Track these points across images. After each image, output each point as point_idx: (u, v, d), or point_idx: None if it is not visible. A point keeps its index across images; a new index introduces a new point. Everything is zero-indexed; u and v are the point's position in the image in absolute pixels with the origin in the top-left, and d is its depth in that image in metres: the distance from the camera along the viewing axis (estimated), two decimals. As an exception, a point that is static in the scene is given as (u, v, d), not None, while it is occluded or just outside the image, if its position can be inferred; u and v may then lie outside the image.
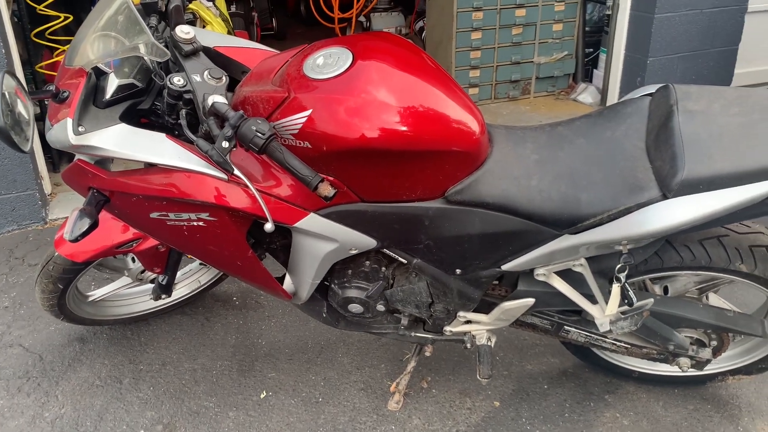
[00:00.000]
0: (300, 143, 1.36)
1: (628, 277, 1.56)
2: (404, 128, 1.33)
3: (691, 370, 1.81)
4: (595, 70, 4.38)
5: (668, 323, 1.71)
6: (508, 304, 1.69)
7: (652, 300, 1.55)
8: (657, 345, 1.75)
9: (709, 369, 1.93)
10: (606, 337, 1.77)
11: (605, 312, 1.55)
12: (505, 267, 1.59)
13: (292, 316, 2.36)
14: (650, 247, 1.52)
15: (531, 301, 1.67)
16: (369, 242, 1.55)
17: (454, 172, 1.45)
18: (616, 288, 1.51)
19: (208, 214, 1.47)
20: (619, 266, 1.47)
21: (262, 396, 2.03)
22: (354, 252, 1.59)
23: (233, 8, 4.37)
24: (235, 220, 1.48)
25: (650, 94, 1.55)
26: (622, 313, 1.59)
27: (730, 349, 1.92)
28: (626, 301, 1.52)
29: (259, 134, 1.27)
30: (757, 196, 1.30)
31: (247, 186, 1.36)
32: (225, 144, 1.30)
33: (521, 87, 4.38)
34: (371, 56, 1.39)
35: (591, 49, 4.36)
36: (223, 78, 1.44)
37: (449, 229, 1.51)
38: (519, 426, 1.94)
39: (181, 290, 2.32)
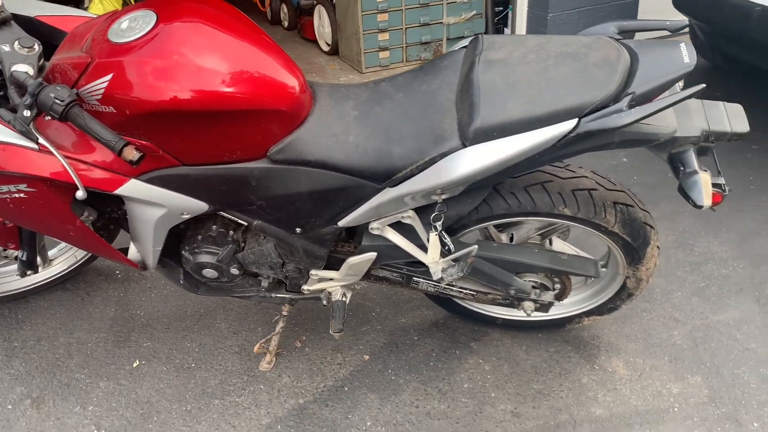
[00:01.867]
0: (105, 108, 1.36)
1: (463, 227, 1.61)
2: (212, 88, 1.34)
3: (536, 313, 1.88)
4: (506, 29, 4.40)
5: (507, 269, 1.77)
6: (353, 259, 1.73)
7: (475, 247, 1.60)
8: (500, 290, 1.82)
9: (565, 312, 2.02)
10: (453, 285, 1.83)
11: (427, 260, 1.60)
12: (341, 223, 1.62)
13: (174, 287, 2.37)
14: (474, 197, 1.56)
15: (373, 255, 1.71)
16: (199, 206, 1.57)
17: (274, 131, 1.47)
18: (433, 237, 1.56)
19: (26, 185, 1.47)
20: (433, 215, 1.52)
21: (134, 365, 2.06)
22: (186, 216, 1.60)
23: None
24: (54, 189, 1.48)
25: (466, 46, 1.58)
26: (453, 260, 1.64)
27: (581, 292, 2.00)
28: (446, 248, 1.57)
29: (58, 101, 1.27)
30: (547, 139, 1.34)
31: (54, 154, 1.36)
32: (26, 113, 1.30)
33: (433, 48, 4.38)
34: (176, 17, 1.39)
35: (500, 8, 4.38)
36: (35, 47, 1.42)
37: (277, 188, 1.54)
38: (385, 377, 2.00)
39: (58, 266, 2.31)
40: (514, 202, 1.63)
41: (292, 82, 1.44)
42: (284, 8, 5.20)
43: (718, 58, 3.79)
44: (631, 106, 1.31)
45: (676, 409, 1.88)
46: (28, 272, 2.00)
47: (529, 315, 1.87)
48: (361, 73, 4.28)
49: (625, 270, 1.80)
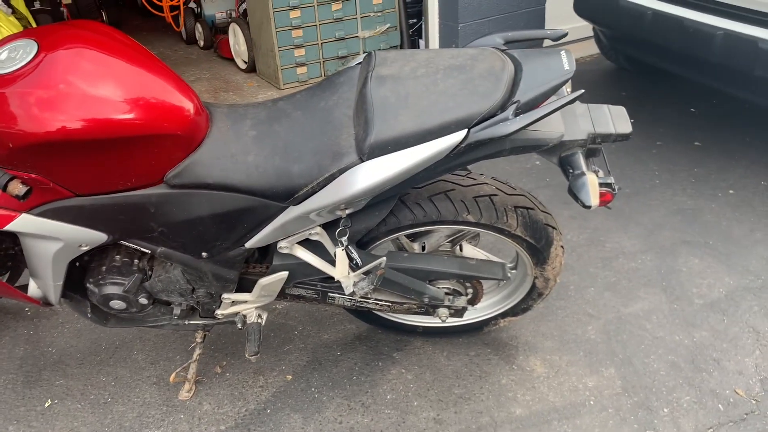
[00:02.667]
0: (-14, 143, 1.31)
1: (374, 239, 1.62)
2: (100, 115, 1.31)
3: (451, 319, 1.92)
4: (420, 40, 4.48)
5: (419, 277, 1.79)
6: (264, 280, 1.72)
7: (383, 259, 1.62)
8: (414, 299, 1.84)
9: (480, 316, 2.06)
10: (368, 298, 1.84)
11: (337, 275, 1.61)
12: (248, 245, 1.61)
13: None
14: (380, 209, 1.58)
15: (285, 274, 1.71)
16: (97, 236, 1.53)
17: (168, 155, 1.44)
18: (339, 252, 1.56)
19: None
20: (339, 230, 1.53)
21: (46, 405, 1.97)
22: (85, 248, 1.56)
23: (37, 4, 4.13)
24: (-61, 230, 1.42)
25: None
26: (364, 273, 1.65)
27: (494, 295, 2.05)
28: (354, 262, 1.58)
29: None
30: (440, 150, 1.37)
31: (-69, 193, 1.30)
32: None
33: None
34: (58, 45, 1.35)
35: (414, 20, 4.45)
36: None
37: (178, 213, 1.51)
38: (308, 395, 1.98)
39: (-40, 308, 2.20)
40: (419, 212, 1.66)
41: (186, 104, 1.43)
42: (199, 27, 5.14)
43: (621, 60, 3.97)
44: (516, 114, 1.36)
45: (591, 402, 1.94)
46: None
47: (444, 321, 1.90)
48: (279, 89, 4.27)
49: (533, 271, 1.86)
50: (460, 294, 1.87)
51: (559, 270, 1.87)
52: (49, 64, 1.31)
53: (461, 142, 1.37)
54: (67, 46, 1.35)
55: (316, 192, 1.46)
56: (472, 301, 1.90)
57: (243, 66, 4.65)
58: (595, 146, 1.50)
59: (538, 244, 1.75)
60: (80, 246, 1.54)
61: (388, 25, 4.36)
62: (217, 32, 5.02)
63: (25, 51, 1.33)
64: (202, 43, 5.15)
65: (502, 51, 1.49)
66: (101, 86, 1.32)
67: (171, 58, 5.01)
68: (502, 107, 1.37)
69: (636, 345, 2.14)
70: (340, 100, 1.53)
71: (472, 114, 1.36)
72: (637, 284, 2.41)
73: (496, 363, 2.08)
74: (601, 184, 1.45)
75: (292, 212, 1.51)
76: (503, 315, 2.05)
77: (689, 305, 2.30)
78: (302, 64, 4.25)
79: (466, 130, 1.37)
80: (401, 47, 4.54)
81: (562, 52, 1.42)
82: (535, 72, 1.40)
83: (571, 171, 1.47)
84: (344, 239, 1.54)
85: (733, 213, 2.81)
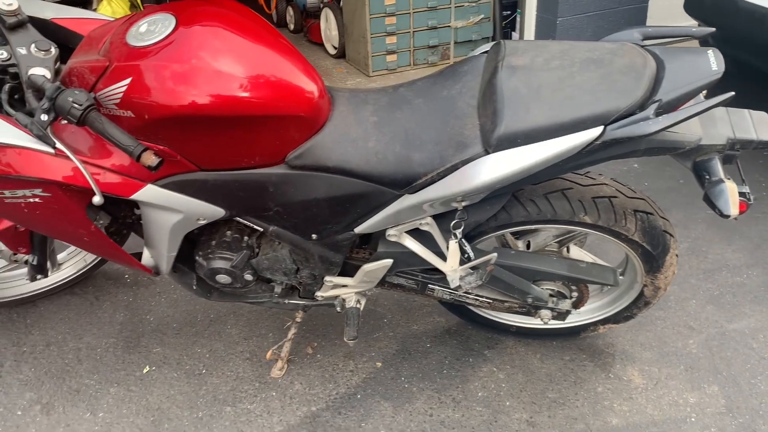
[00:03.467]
0: (123, 113, 1.34)
1: (480, 235, 1.59)
2: (232, 93, 1.32)
3: (553, 321, 1.86)
4: (513, 33, 4.39)
5: (524, 277, 1.75)
6: (368, 266, 1.71)
7: (494, 255, 1.58)
8: (517, 298, 1.80)
9: (580, 320, 1.99)
10: (469, 293, 1.81)
11: (446, 268, 1.58)
12: (357, 230, 1.60)
13: (184, 291, 2.36)
14: (493, 204, 1.54)
15: (389, 261, 1.69)
16: (216, 211, 1.55)
17: (292, 136, 1.45)
18: (452, 244, 1.54)
19: (41, 190, 1.45)
20: (453, 222, 1.50)
21: (144, 371, 2.03)
22: (203, 222, 1.58)
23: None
24: (70, 194, 1.46)
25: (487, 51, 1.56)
26: (471, 268, 1.62)
27: (597, 300, 1.98)
28: (465, 256, 1.55)
29: (76, 105, 1.25)
30: (572, 146, 1.32)
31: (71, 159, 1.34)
32: (44, 117, 1.28)
33: (440, 52, 4.37)
34: (195, 21, 1.37)
35: (508, 12, 4.36)
36: (52, 50, 1.40)
37: (295, 194, 1.52)
38: (398, 385, 1.97)
39: (67, 270, 2.29)
40: (533, 210, 1.61)
41: (311, 87, 1.42)
42: (290, 11, 5.19)
43: (729, 65, 3.77)
44: (658, 113, 1.29)
45: (692, 419, 1.85)
46: (39, 276, 1.97)
47: (546, 323, 1.85)
48: (368, 76, 4.27)
49: (643, 278, 1.78)
50: (564, 297, 1.82)
51: (671, 279, 1.79)
52: (186, 39, 1.33)
53: (596, 140, 1.31)
54: (204, 22, 1.37)
55: (435, 182, 1.43)
56: (576, 305, 1.84)
57: (332, 51, 4.67)
58: (732, 153, 1.42)
59: (654, 251, 1.68)
60: (198, 219, 1.56)
61: (481, 16, 4.29)
62: (307, 16, 5.06)
63: (164, 25, 1.36)
64: (292, 27, 5.20)
65: (642, 47, 1.42)
66: (234, 64, 1.33)
67: (261, 40, 5.08)
68: (642, 106, 1.31)
69: (741, 364, 2.03)
70: (463, 89, 1.49)
71: (609, 110, 1.30)
72: (742, 300, 2.29)
73: (592, 370, 2.01)
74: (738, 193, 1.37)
75: (407, 201, 1.49)
76: (604, 321, 1.98)
77: (800, 327, 2.17)
78: (392, 52, 4.23)
79: (602, 127, 1.31)
80: (493, 39, 4.46)
81: (710, 52, 1.34)
82: (679, 71, 1.33)
83: (707, 177, 1.39)
84: (458, 232, 1.51)
85: None
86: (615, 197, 1.62)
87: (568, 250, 1.84)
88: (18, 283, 2.22)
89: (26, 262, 2.05)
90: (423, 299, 2.28)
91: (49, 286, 2.27)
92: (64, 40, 1.59)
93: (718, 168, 1.40)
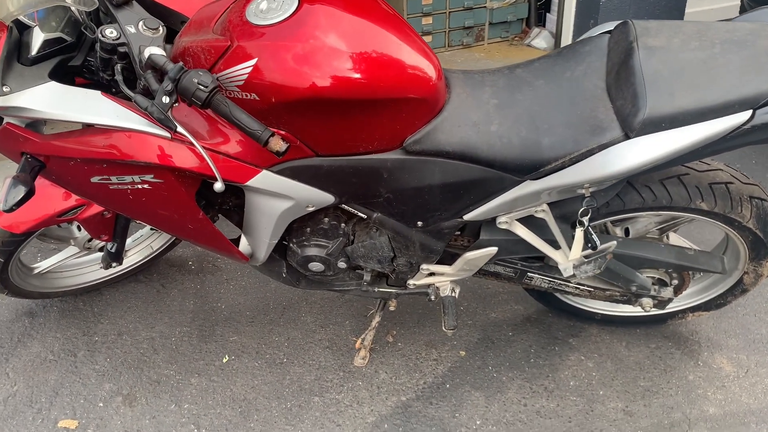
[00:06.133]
0: (246, 95, 1.27)
1: (591, 220, 1.55)
2: (358, 75, 1.26)
3: (653, 309, 1.83)
4: (548, 14, 4.32)
5: (630, 264, 1.71)
6: (471, 254, 1.66)
7: (615, 242, 1.54)
8: (620, 287, 1.76)
9: (670, 307, 1.96)
10: (569, 281, 1.76)
11: (569, 257, 1.54)
12: (467, 217, 1.55)
13: (252, 278, 2.30)
14: (611, 190, 1.50)
15: (494, 249, 1.65)
16: (326, 198, 1.49)
17: (411, 120, 1.39)
18: (579, 232, 1.49)
19: (152, 176, 1.38)
20: (582, 210, 1.45)
21: (224, 360, 1.98)
22: (311, 209, 1.52)
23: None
24: (183, 181, 1.40)
25: (609, 32, 1.50)
26: (585, 257, 1.57)
27: (691, 286, 1.94)
28: (590, 245, 1.50)
29: (202, 87, 1.18)
30: (720, 131, 1.27)
31: (192, 144, 1.27)
32: (165, 99, 1.21)
33: (475, 33, 4.29)
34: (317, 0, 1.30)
35: (544, -8, 4.29)
36: (160, 28, 1.33)
37: (409, 180, 1.46)
38: (486, 374, 1.94)
39: (133, 257, 2.23)
40: (649, 196, 1.57)
41: (431, 68, 1.36)
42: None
43: None
44: (811, 99, 1.24)
45: (790, 408, 1.83)
46: (114, 264, 1.91)
47: (647, 311, 1.81)
48: (401, 57, 4.18)
49: (746, 265, 1.75)
50: (666, 284, 1.78)
51: (774, 267, 1.75)
52: (312, 18, 1.26)
53: (744, 123, 1.26)
54: (327, 1, 1.30)
55: (565, 167, 1.38)
56: (677, 292, 1.80)
57: (362, 31, 4.57)
58: None
59: (765, 238, 1.64)
60: (307, 206, 1.51)
61: (517, -3, 4.21)
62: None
63: (286, 2, 1.29)
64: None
65: (783, 28, 1.37)
66: (357, 46, 1.27)
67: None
68: (795, 90, 1.26)
69: (829, 351, 2.01)
70: (589, 71, 1.44)
71: (759, 93, 1.25)
72: (821, 286, 2.27)
73: (680, 358, 1.98)
74: None
75: (528, 187, 1.44)
76: (694, 309, 1.95)
77: None
78: (428, 33, 4.15)
79: (751, 110, 1.26)
80: (528, 20, 4.39)
81: None
82: (831, 53, 1.28)
83: None
84: (586, 219, 1.46)
85: None
86: (731, 183, 1.58)
87: (667, 237, 1.79)
88: (84, 270, 2.16)
89: (100, 249, 1.99)
90: (496, 285, 2.24)
91: (114, 274, 2.21)
92: (161, 18, 1.51)
93: None
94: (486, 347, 2.03)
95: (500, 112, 1.43)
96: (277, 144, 1.22)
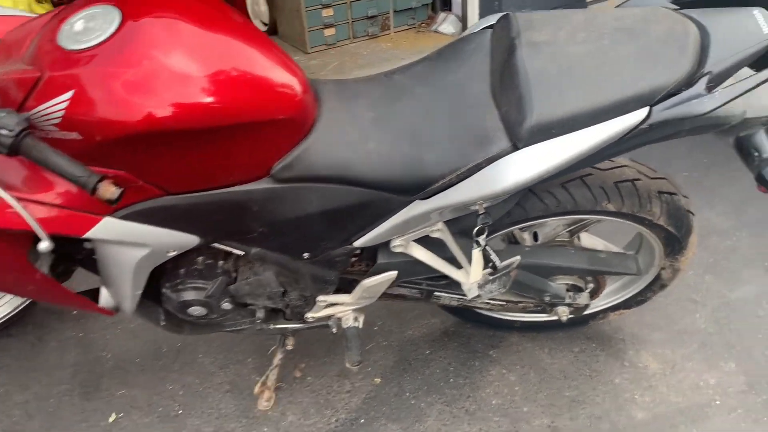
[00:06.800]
0: (67, 135, 1.06)
1: (491, 233, 1.40)
2: (204, 100, 1.05)
3: (571, 316, 1.71)
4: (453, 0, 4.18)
5: (541, 274, 1.58)
6: (369, 282, 1.49)
7: (518, 258, 1.40)
8: (532, 298, 1.63)
9: (590, 308, 1.85)
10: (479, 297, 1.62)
11: (470, 279, 1.39)
12: (357, 243, 1.38)
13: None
14: (508, 203, 1.36)
15: (393, 274, 1.48)
16: (189, 240, 1.29)
17: (276, 144, 1.20)
18: (476, 253, 1.34)
19: (-34, 239, 1.15)
20: (477, 229, 1.30)
21: (111, 419, 1.76)
22: (173, 254, 1.32)
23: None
24: (7, 239, 1.17)
25: (492, 26, 1.35)
26: (489, 275, 1.43)
27: (609, 286, 1.84)
28: (490, 264, 1.36)
29: (5, 131, 0.97)
30: (615, 133, 1.14)
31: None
32: None
33: (380, 23, 4.11)
34: (145, 13, 1.09)
35: (447, -24, 4.15)
36: None
37: (284, 211, 1.28)
38: (403, 402, 1.78)
39: (2, 309, 1.96)
40: (551, 202, 1.43)
41: (293, 82, 1.17)
42: (210, -13, 4.78)
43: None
44: (709, 88, 1.12)
45: (717, 402, 1.75)
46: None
47: (563, 320, 1.69)
48: (306, 53, 3.97)
49: (662, 261, 1.65)
50: (581, 289, 1.66)
51: (691, 258, 1.66)
52: (138, 36, 1.05)
53: (642, 123, 1.13)
54: (156, 13, 1.09)
55: (454, 184, 1.22)
56: (593, 296, 1.69)
57: (263, 28, 4.33)
58: (777, 123, 1.28)
59: (678, 233, 1.54)
60: (168, 252, 1.30)
61: (420, -18, 4.05)
62: (230, -9, 4.67)
63: (106, 20, 1.07)
64: (214, 4, 4.79)
65: (675, 10, 1.24)
66: (201, 65, 1.06)
67: (182, 21, 4.65)
68: (689, 81, 1.13)
69: (752, 335, 1.95)
70: (472, 73, 1.28)
71: (654, 88, 1.12)
72: (737, 265, 2.21)
73: (605, 360, 1.88)
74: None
75: (418, 208, 1.28)
76: (615, 308, 1.85)
77: (799, 288, 2.11)
78: (330, 25, 3.95)
79: (648, 108, 1.13)
80: (434, 5, 4.24)
81: (756, 12, 1.17)
82: (725, 37, 1.16)
83: (756, 154, 1.24)
84: (482, 239, 1.31)
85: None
86: (638, 180, 1.46)
87: (578, 239, 1.68)
88: (-59, 332, 1.88)
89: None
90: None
91: (-21, 331, 1.95)
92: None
93: (766, 142, 1.25)
94: (402, 370, 1.87)
95: (378, 127, 1.26)
96: (107, 191, 1.01)
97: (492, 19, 1.36)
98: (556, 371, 1.85)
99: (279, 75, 1.15)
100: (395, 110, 1.27)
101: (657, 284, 1.73)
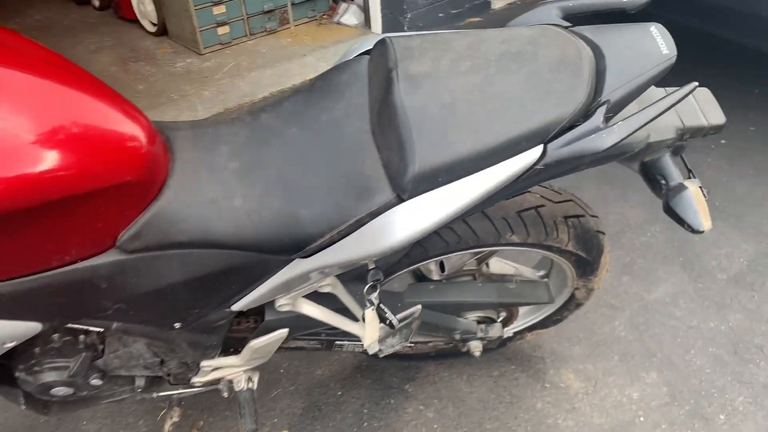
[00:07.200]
0: None
1: (390, 274, 1.26)
2: (12, 174, 0.85)
3: (487, 348, 1.60)
4: (354, -13, 3.99)
5: (449, 312, 1.45)
6: (257, 342, 1.33)
7: (419, 308, 1.26)
8: (442, 337, 1.50)
9: (506, 331, 1.74)
10: (385, 342, 1.48)
11: (365, 339, 1.24)
12: (236, 307, 1.21)
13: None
14: (400, 252, 1.21)
15: (284, 331, 1.32)
16: (29, 328, 1.08)
17: (120, 212, 1.00)
18: (369, 313, 1.19)
19: None
20: (367, 287, 1.15)
21: None
22: (12, 344, 1.11)
23: None
24: None
25: (369, 51, 1.19)
26: (389, 328, 1.29)
27: (523, 308, 1.74)
28: (387, 322, 1.21)
29: None
30: (508, 177, 1.01)
31: None
32: None
33: (278, 17, 3.88)
34: None
35: (345, -37, 3.95)
36: None
37: (139, 284, 1.08)
38: (314, 455, 1.64)
39: None
40: (452, 238, 1.30)
41: (137, 133, 0.97)
42: (92, -17, 4.41)
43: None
44: (607, 119, 1.00)
45: (641, 419, 1.69)
46: None
47: (477, 356, 1.58)
48: (200, 54, 3.70)
49: (575, 282, 1.55)
50: (493, 320, 1.55)
51: (604, 276, 1.57)
52: None
53: (536, 163, 1.00)
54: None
55: (336, 242, 1.06)
56: (506, 325, 1.58)
57: (151, 29, 4.01)
58: (681, 144, 1.18)
59: (589, 257, 1.44)
60: (5, 344, 1.09)
61: (317, -28, 3.84)
62: (114, -12, 4.31)
63: None
64: (97, 3, 4.42)
65: (567, 29, 1.11)
66: (17, 125, 0.85)
67: (63, 24, 4.28)
68: (585, 111, 1.01)
69: (671, 339, 1.90)
70: (349, 110, 1.12)
71: (548, 123, 0.99)
72: (653, 263, 2.17)
73: (525, 383, 1.79)
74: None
75: (299, 267, 1.12)
76: (531, 329, 1.75)
77: (713, 282, 2.08)
78: (223, 23, 3.69)
79: (542, 146, 1.00)
80: (334, -3, 4.04)
81: (652, 28, 1.06)
82: (622, 59, 1.03)
83: (664, 182, 1.14)
84: (374, 297, 1.16)
85: (731, 166, 2.60)
86: (542, 206, 1.35)
87: (488, 266, 1.56)
88: None
89: None
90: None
91: None
92: None
93: (672, 168, 1.15)
94: (312, 418, 1.72)
95: (244, 180, 1.08)
96: None
97: (368, 44, 1.19)
98: (475, 401, 1.74)
99: (116, 124, 0.95)
100: (263, 158, 1.10)
101: (572, 303, 1.64)
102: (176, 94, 3.27)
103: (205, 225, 1.05)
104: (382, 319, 1.20)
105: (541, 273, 1.64)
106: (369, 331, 1.20)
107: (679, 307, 2.00)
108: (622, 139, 0.98)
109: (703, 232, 1.08)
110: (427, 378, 1.81)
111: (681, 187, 1.11)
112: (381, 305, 1.18)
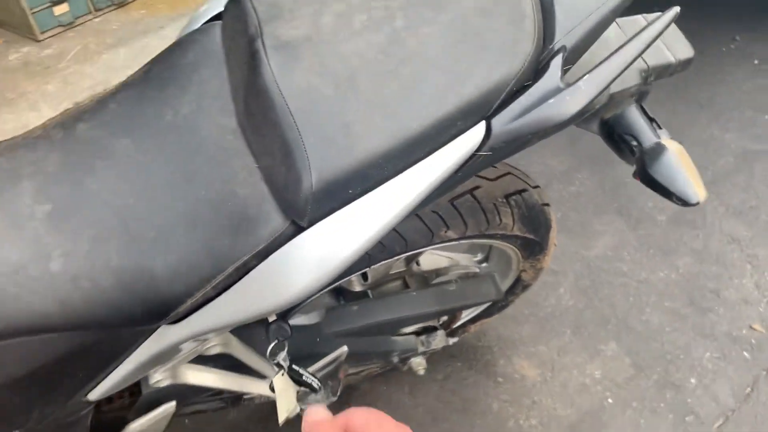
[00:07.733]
0: None
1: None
2: None
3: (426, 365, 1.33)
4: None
5: (382, 333, 1.17)
6: (138, 425, 0.99)
7: (344, 349, 0.96)
8: (377, 362, 1.22)
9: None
10: (307, 382, 1.18)
11: (280, 413, 0.93)
12: (93, 396, 0.87)
13: None
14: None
15: (171, 405, 0.99)
16: None
17: None
18: (279, 380, 0.88)
19: None
20: (270, 348, 0.83)
21: None
22: None
23: None
24: None
25: (221, 15, 0.84)
26: (311, 389, 0.99)
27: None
28: (307, 382, 0.91)
29: None
30: (444, 172, 0.72)
31: None
32: None
33: (126, -13, 3.36)
34: None
35: None
36: None
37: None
38: None
39: None
40: (375, 249, 1.00)
41: None
42: None
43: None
44: (565, 72, 0.72)
45: (610, 401, 1.50)
46: None
47: (421, 373, 1.31)
48: (37, 41, 3.14)
49: (521, 265, 1.30)
50: (434, 328, 1.28)
51: (553, 252, 1.33)
52: None
53: (479, 147, 0.71)
54: None
55: (212, 298, 0.74)
56: (448, 327, 1.32)
57: (-26, 17, 3.37)
58: (645, 88, 0.92)
59: (537, 236, 1.19)
60: None
61: (164, -70, 3.32)
62: None
63: None
64: None
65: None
66: None
67: None
68: (537, 66, 0.72)
69: (623, 300, 1.71)
70: (203, 103, 0.77)
71: (488, 90, 0.70)
72: (586, 214, 1.97)
73: (475, 381, 1.55)
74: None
75: (169, 336, 0.79)
76: (474, 320, 1.49)
77: (654, 226, 1.91)
78: (60, 1, 3.13)
79: (484, 122, 0.71)
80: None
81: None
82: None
83: (635, 144, 0.88)
84: (283, 359, 0.85)
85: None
86: (477, 188, 1.07)
87: (418, 264, 1.27)
88: None
89: None
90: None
91: None
92: None
93: (642, 122, 0.89)
94: (234, 474, 1.41)
95: (62, 230, 0.72)
96: None
97: (219, 4, 0.84)
98: (422, 415, 1.49)
99: None
100: (87, 192, 0.74)
101: (518, 286, 1.40)
102: (13, 93, 2.74)
103: (13, 305, 0.70)
104: (298, 382, 0.89)
105: (479, 257, 1.38)
106: (282, 403, 0.89)
107: (623, 260, 1.81)
108: (593, 100, 0.70)
109: (698, 203, 0.83)
110: (364, 397, 1.53)
111: (659, 148, 0.85)
112: (293, 366, 0.87)
